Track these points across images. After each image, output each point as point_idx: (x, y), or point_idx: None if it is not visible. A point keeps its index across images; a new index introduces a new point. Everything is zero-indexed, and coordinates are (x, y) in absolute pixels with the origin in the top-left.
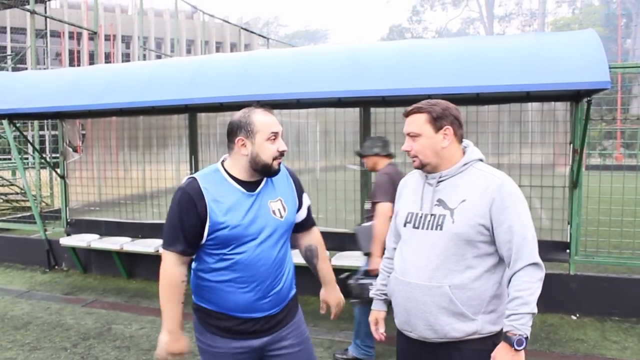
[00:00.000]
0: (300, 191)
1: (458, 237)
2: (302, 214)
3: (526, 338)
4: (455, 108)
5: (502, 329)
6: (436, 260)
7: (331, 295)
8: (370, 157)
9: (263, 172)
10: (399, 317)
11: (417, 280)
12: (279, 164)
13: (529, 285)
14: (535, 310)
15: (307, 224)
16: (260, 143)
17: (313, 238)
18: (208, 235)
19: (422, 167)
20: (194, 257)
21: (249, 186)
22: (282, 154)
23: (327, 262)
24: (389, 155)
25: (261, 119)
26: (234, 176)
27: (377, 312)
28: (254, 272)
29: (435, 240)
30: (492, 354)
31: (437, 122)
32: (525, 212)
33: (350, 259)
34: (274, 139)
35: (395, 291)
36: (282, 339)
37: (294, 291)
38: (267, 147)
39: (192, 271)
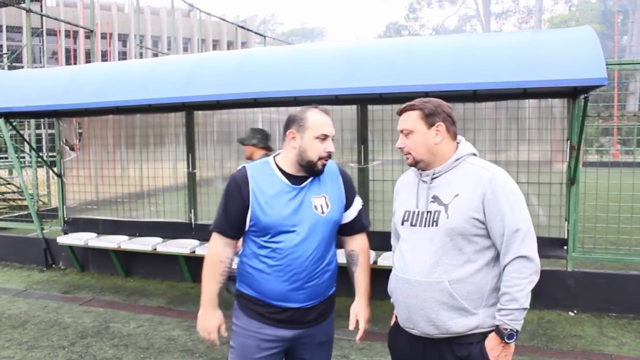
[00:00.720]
0: (351, 192)
1: (453, 232)
2: (350, 215)
3: (517, 332)
4: (447, 105)
5: None
6: (434, 256)
7: (362, 310)
8: (248, 147)
9: (307, 168)
10: (400, 315)
11: (417, 277)
12: (324, 165)
13: (517, 281)
14: (526, 305)
15: (354, 227)
16: (309, 139)
17: (358, 244)
18: (250, 221)
19: (415, 164)
20: (240, 240)
21: (295, 180)
22: (329, 155)
23: (366, 273)
24: (266, 148)
25: (315, 117)
26: (282, 169)
27: None
28: (291, 262)
29: (432, 236)
30: (485, 343)
31: (430, 118)
32: (517, 205)
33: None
34: (323, 139)
35: (396, 289)
36: (314, 335)
37: (333, 289)
38: (314, 145)
39: (239, 258)
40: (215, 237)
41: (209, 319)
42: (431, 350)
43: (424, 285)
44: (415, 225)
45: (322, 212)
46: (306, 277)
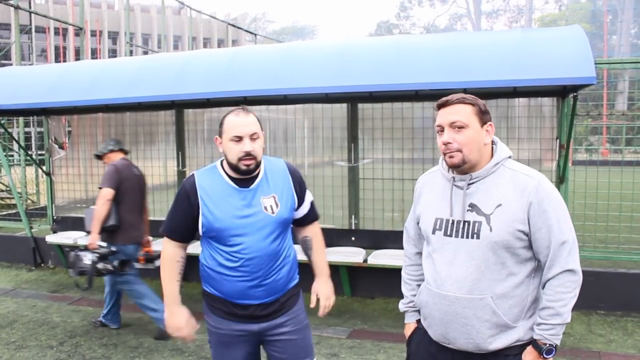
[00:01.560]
0: (301, 188)
1: (497, 246)
2: (302, 211)
3: (556, 347)
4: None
5: None
6: (476, 272)
7: (322, 287)
8: (106, 155)
9: (235, 171)
10: (433, 329)
11: (456, 293)
12: (247, 165)
13: (562, 295)
14: (569, 320)
15: (306, 220)
16: (226, 143)
17: (310, 230)
18: (202, 227)
19: (462, 163)
20: (189, 242)
21: (243, 182)
22: (247, 154)
23: (323, 255)
24: (122, 151)
25: (229, 121)
26: (228, 173)
27: (413, 324)
28: (246, 263)
29: (473, 250)
30: (522, 356)
31: (484, 116)
32: (564, 215)
33: (340, 254)
34: (238, 141)
35: (430, 304)
36: (280, 325)
37: (295, 281)
38: (231, 147)
39: (199, 263)
40: (166, 240)
41: (176, 317)
42: (459, 358)
43: (465, 302)
44: (450, 236)
45: (272, 212)
46: (263, 275)
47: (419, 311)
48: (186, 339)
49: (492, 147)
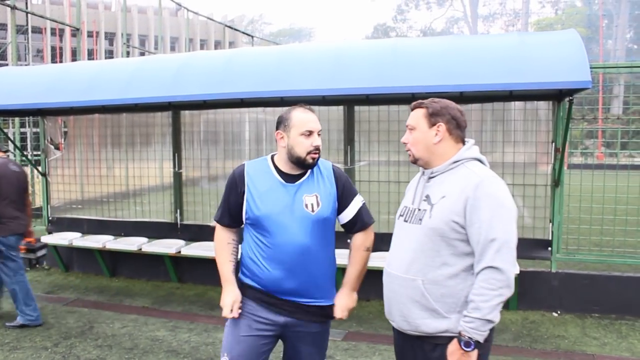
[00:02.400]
0: (346, 192)
1: (433, 232)
2: (349, 214)
3: (476, 342)
4: (456, 109)
5: None
6: (412, 254)
7: (341, 298)
8: None
9: (299, 164)
10: (385, 307)
11: (396, 271)
12: (314, 158)
13: (484, 291)
14: (491, 317)
15: (354, 226)
16: (295, 137)
17: (355, 240)
18: (245, 213)
19: (415, 161)
20: (241, 226)
21: (289, 178)
22: (316, 148)
23: (356, 268)
24: (2, 151)
25: (298, 116)
26: (278, 167)
27: None
28: (282, 253)
29: (414, 234)
30: (448, 347)
31: (432, 117)
32: (500, 214)
33: (336, 257)
34: (308, 135)
35: (383, 282)
36: (306, 326)
37: (329, 301)
38: (300, 141)
39: (242, 250)
40: (218, 226)
41: (228, 295)
42: (406, 345)
43: (401, 280)
44: (407, 221)
45: (312, 211)
46: (295, 266)
47: None
48: (233, 316)
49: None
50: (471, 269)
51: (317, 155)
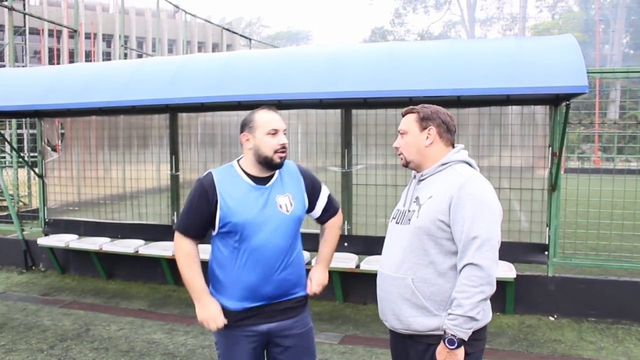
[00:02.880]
0: (314, 188)
1: (420, 231)
2: (320, 207)
3: (459, 339)
4: (446, 114)
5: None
6: (402, 253)
7: (316, 272)
8: None
9: (266, 165)
10: (378, 307)
11: (388, 271)
12: (281, 157)
13: (466, 287)
14: (472, 314)
15: (327, 215)
16: (260, 137)
17: (329, 223)
18: (219, 222)
19: (407, 164)
20: (202, 239)
21: (260, 180)
22: (283, 147)
23: (330, 246)
24: None
25: (262, 116)
26: (246, 171)
27: None
28: (260, 257)
29: (404, 234)
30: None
31: (423, 122)
32: (482, 213)
33: (334, 260)
34: (274, 134)
35: (377, 282)
36: (288, 328)
37: (303, 293)
38: (267, 141)
39: (208, 268)
40: (181, 237)
41: (210, 307)
42: (399, 344)
43: (392, 279)
44: (398, 223)
45: (287, 211)
46: (274, 270)
47: None
48: (218, 327)
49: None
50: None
51: (284, 154)
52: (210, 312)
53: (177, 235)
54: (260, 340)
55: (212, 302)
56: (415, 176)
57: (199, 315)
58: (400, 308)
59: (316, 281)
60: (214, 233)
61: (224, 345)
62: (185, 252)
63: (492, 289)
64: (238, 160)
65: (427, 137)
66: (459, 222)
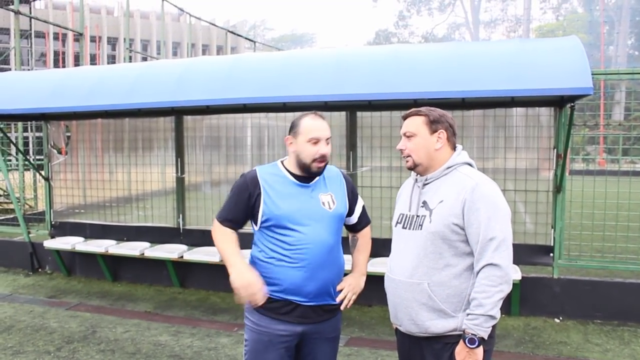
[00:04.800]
0: (353, 196)
1: (434, 236)
2: (355, 216)
3: (480, 338)
4: (451, 117)
5: None
6: (416, 259)
7: (351, 279)
8: None
9: (305, 170)
10: (390, 312)
11: (401, 277)
12: (319, 167)
13: (486, 287)
14: (493, 313)
15: (359, 225)
16: (302, 143)
17: (360, 233)
18: (262, 216)
19: (414, 167)
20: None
21: (302, 179)
22: (322, 156)
23: (364, 255)
24: None
25: (307, 123)
26: (289, 170)
27: None
28: (304, 252)
29: (416, 240)
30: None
31: (433, 125)
32: (496, 215)
33: None
34: (315, 143)
35: (386, 287)
36: (322, 331)
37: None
38: (307, 148)
39: (250, 263)
40: (218, 224)
41: (246, 275)
42: (415, 347)
43: (406, 285)
44: (405, 228)
45: (330, 208)
46: (318, 266)
47: None
48: (258, 300)
49: (452, 153)
50: (472, 268)
51: (322, 164)
52: (247, 279)
53: (215, 223)
54: (293, 342)
55: (249, 269)
56: (417, 179)
57: (234, 283)
58: (417, 313)
59: (351, 287)
60: (256, 228)
61: (254, 342)
62: (221, 231)
63: (509, 288)
64: (282, 161)
65: (438, 141)
66: (474, 224)
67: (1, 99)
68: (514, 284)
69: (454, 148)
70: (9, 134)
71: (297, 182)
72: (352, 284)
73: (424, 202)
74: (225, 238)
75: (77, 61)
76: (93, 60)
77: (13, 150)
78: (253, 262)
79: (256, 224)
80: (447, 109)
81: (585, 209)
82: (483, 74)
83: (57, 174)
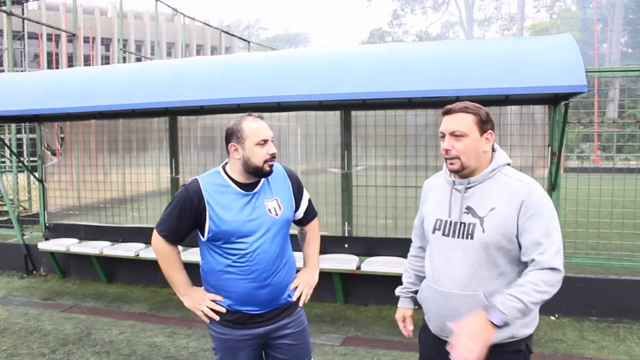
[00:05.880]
0: (299, 190)
1: (490, 246)
2: (301, 211)
3: (504, 322)
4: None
5: (534, 330)
6: (469, 270)
7: (303, 274)
8: None
9: (256, 174)
10: (433, 323)
11: (452, 289)
12: (271, 166)
13: (541, 283)
14: (532, 307)
15: (306, 219)
16: (250, 148)
17: (307, 226)
18: (209, 232)
19: (461, 169)
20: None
21: (246, 187)
22: (273, 156)
23: (314, 247)
24: None
25: (250, 126)
26: (232, 178)
27: (405, 309)
28: (253, 263)
29: (467, 249)
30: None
31: (484, 125)
32: (551, 219)
33: (333, 261)
34: (263, 144)
35: (429, 298)
36: (284, 327)
37: (293, 291)
38: (256, 151)
39: (200, 270)
40: (159, 239)
41: (196, 295)
42: None
43: (460, 297)
44: (447, 236)
45: (276, 214)
46: (268, 274)
47: (411, 298)
48: (213, 310)
49: (493, 154)
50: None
51: (273, 163)
52: (197, 298)
53: (155, 234)
54: (258, 343)
55: (196, 290)
56: (455, 182)
57: (188, 305)
58: None
59: (306, 283)
60: (203, 239)
61: (222, 350)
62: (164, 251)
63: (555, 291)
64: (223, 166)
65: (487, 142)
66: (530, 230)
67: None
68: None
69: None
70: (2, 136)
71: (242, 191)
72: (305, 280)
73: (469, 208)
74: (168, 264)
75: (70, 62)
76: (87, 61)
77: (6, 152)
78: (202, 271)
79: (203, 236)
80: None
81: (580, 206)
82: (477, 73)
83: (51, 175)
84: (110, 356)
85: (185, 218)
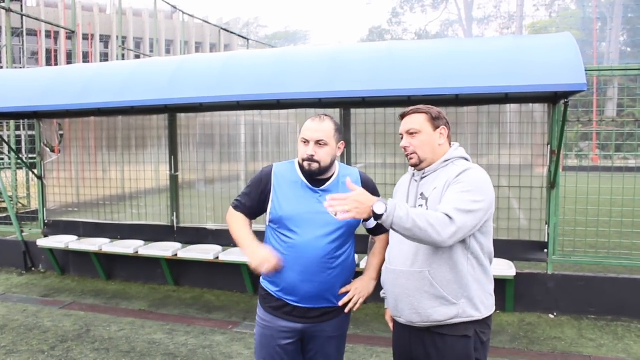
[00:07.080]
0: None
1: None
2: (371, 223)
3: (381, 213)
4: (445, 115)
5: (485, 317)
6: (414, 247)
7: (359, 282)
8: None
9: (301, 168)
10: (389, 304)
11: (401, 267)
12: (308, 167)
13: (432, 219)
14: (412, 221)
15: (377, 231)
16: (299, 143)
17: (378, 237)
18: (270, 213)
19: (419, 163)
20: (252, 220)
21: (315, 182)
22: (309, 157)
23: (378, 259)
24: None
25: (305, 124)
26: (304, 170)
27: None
28: (302, 255)
29: None
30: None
31: (435, 121)
32: (471, 188)
33: None
34: (305, 143)
35: (386, 279)
36: (323, 330)
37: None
38: (300, 148)
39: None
40: (231, 209)
41: (259, 251)
42: (415, 339)
43: (407, 274)
44: None
45: (336, 214)
46: (314, 270)
47: None
48: (277, 267)
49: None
50: (467, 253)
51: (311, 165)
52: (261, 255)
53: (229, 209)
54: (295, 337)
55: (260, 246)
56: (414, 174)
57: (251, 263)
58: (419, 301)
59: (359, 289)
60: (267, 223)
61: (260, 335)
62: (234, 217)
63: (434, 242)
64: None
65: (440, 136)
66: (448, 194)
67: None
68: (508, 280)
69: (450, 143)
70: (1, 133)
71: (309, 184)
72: (359, 288)
73: (422, 194)
74: (236, 222)
75: (69, 59)
76: (85, 58)
77: (5, 148)
78: None
79: (267, 217)
80: (441, 106)
81: (579, 204)
82: (477, 71)
83: (50, 172)
84: (109, 353)
85: (253, 194)
